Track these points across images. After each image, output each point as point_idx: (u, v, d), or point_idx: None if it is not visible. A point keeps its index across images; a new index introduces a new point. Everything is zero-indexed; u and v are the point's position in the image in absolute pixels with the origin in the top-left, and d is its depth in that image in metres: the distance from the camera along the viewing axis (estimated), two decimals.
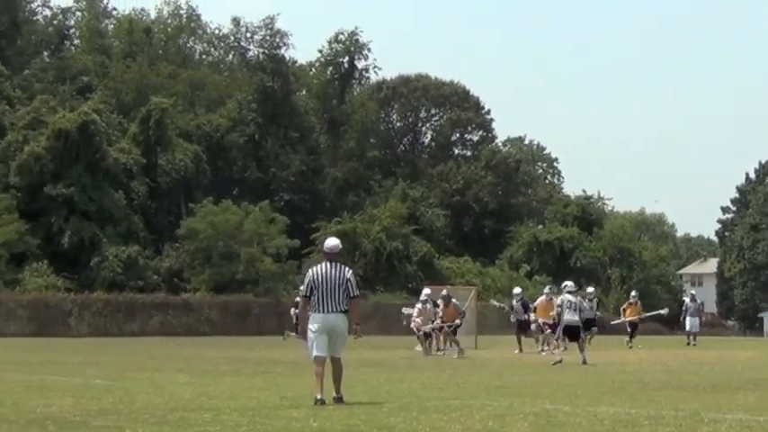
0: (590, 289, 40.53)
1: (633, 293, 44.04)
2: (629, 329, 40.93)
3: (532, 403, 15.02)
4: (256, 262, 68.36)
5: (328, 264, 15.10)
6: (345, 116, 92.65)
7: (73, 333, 57.15)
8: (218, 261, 68.97)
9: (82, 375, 21.89)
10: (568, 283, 27.52)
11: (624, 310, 42.26)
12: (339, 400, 14.61)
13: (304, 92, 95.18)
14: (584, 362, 25.55)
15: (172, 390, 17.56)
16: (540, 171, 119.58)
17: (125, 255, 66.46)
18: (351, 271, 15.40)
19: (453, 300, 33.20)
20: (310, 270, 15.32)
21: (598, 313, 40.71)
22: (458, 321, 32.39)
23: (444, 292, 33.81)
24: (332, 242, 15.51)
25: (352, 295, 15.06)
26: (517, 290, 38.70)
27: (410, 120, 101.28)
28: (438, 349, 32.41)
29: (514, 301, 36.63)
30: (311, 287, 15.01)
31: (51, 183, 66.95)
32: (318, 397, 14.34)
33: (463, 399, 15.84)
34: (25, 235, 64.72)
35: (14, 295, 59.60)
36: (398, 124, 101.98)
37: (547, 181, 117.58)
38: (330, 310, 14.85)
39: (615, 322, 44.45)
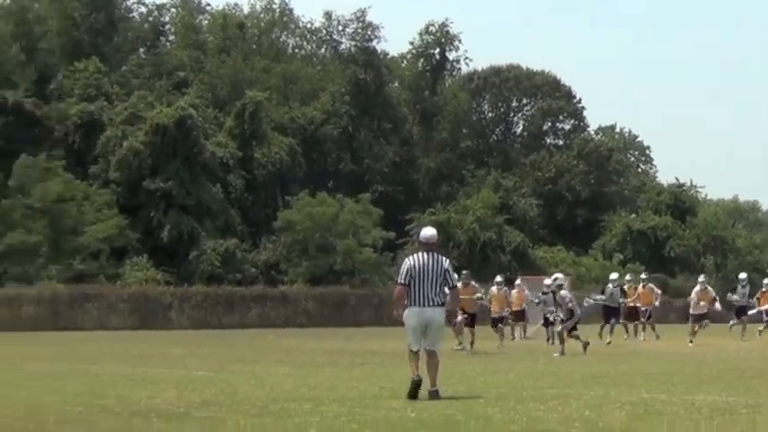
0: (742, 275, 39.41)
1: (766, 281, 41.41)
2: (765, 318, 39.04)
3: (629, 392, 15.02)
4: (353, 253, 68.77)
5: (425, 254, 14.86)
6: (437, 107, 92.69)
7: (173, 326, 58.06)
8: (315, 253, 69.48)
9: (184, 367, 22.31)
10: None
11: (759, 299, 40.31)
12: (435, 393, 14.23)
13: (396, 84, 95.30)
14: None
15: (272, 381, 17.82)
16: (633, 159, 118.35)
17: (223, 248, 67.28)
18: (448, 261, 15.15)
19: (472, 282, 31.07)
20: (408, 259, 15.04)
21: (751, 300, 38.84)
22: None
23: (464, 272, 31.23)
24: (429, 232, 15.26)
25: (451, 285, 14.93)
26: (614, 275, 38.12)
27: (502, 110, 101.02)
28: (459, 343, 29.07)
29: (610, 286, 36.28)
30: (409, 277, 14.73)
31: (150, 177, 68.02)
32: (413, 377, 14.27)
33: (559, 388, 15.89)
34: (125, 229, 65.89)
35: (116, 289, 60.75)
36: (490, 114, 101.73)
37: (639, 169, 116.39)
38: (427, 303, 14.59)
39: (752, 312, 42.27)
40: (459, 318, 27.76)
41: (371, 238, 70.30)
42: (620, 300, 35.79)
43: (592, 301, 36.64)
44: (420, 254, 14.93)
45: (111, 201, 67.94)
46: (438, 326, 14.81)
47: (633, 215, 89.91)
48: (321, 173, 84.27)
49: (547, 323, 32.93)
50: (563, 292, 27.36)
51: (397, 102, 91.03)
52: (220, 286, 63.25)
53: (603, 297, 35.99)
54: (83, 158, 71.97)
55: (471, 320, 29.02)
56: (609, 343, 32.76)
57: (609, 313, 35.62)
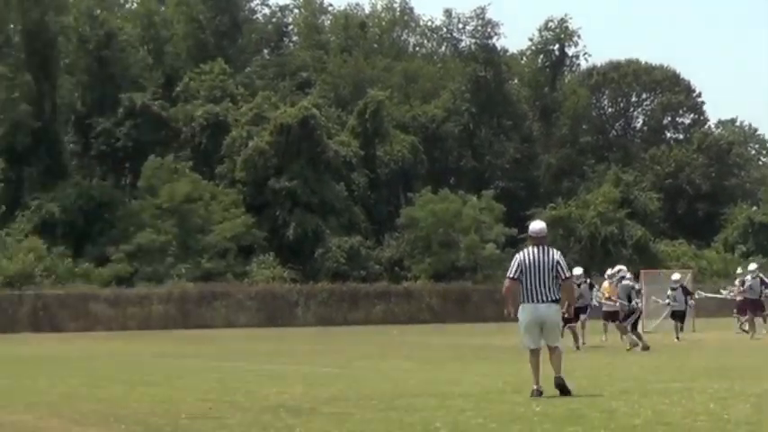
0: None
1: None
2: None
3: (754, 385, 14.89)
4: (476, 249, 68.88)
5: (536, 248, 14.36)
6: (557, 103, 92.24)
7: (299, 323, 58.80)
8: (438, 249, 69.74)
9: (310, 364, 22.68)
10: None
11: None
12: (560, 380, 13.87)
13: (516, 80, 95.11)
14: None
15: (397, 376, 18.05)
16: (753, 152, 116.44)
17: (347, 245, 67.95)
18: (559, 253, 14.60)
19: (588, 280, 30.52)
20: (518, 254, 14.60)
21: None
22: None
23: (578, 271, 29.78)
24: (537, 225, 14.81)
25: (563, 277, 14.29)
26: (753, 266, 36.67)
27: (621, 105, 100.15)
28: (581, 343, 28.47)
29: (749, 278, 35.30)
30: (520, 271, 14.29)
31: (275, 177, 69.01)
32: (535, 388, 13.82)
33: (683, 381, 15.83)
34: (252, 228, 66.98)
35: (243, 287, 61.81)
36: (610, 110, 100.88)
37: (760, 162, 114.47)
38: (541, 299, 14.11)
39: None
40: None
41: (494, 234, 70.36)
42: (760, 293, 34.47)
43: (724, 294, 35.38)
44: (531, 248, 14.44)
45: (238, 200, 69.12)
46: (554, 323, 14.32)
47: (755, 208, 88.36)
48: (443, 170, 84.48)
49: (674, 317, 32.69)
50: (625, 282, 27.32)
51: (517, 98, 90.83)
52: (345, 283, 63.87)
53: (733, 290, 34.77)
54: (209, 159, 73.35)
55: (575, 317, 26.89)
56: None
57: (752, 306, 34.35)
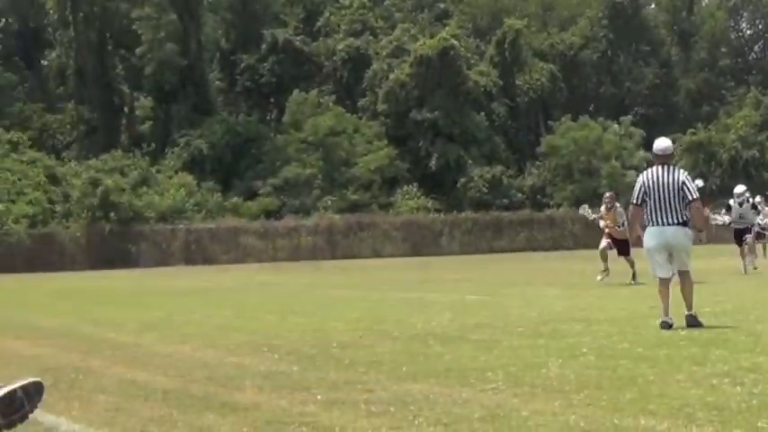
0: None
1: None
2: None
3: None
4: (617, 176, 68.29)
5: (660, 168, 13.47)
6: (695, 27, 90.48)
7: (444, 251, 59.23)
8: (579, 177, 69.35)
9: (457, 292, 22.97)
10: None
11: None
12: (692, 318, 13.07)
13: (653, 5, 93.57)
14: None
15: (543, 303, 18.21)
16: None
17: (489, 175, 68.05)
18: (686, 173, 13.69)
19: (617, 205, 26.02)
20: (641, 176, 13.77)
21: None
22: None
23: (608, 193, 27.35)
24: (663, 143, 13.74)
25: (690, 199, 13.26)
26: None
27: (760, 27, 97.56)
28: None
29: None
30: (643, 194, 13.46)
31: (416, 108, 69.28)
32: (664, 319, 13.04)
33: None
34: (395, 159, 67.49)
35: (389, 218, 62.50)
36: (748, 32, 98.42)
37: None
38: (667, 222, 13.30)
39: None
40: (603, 243, 24.90)
41: (635, 160, 69.65)
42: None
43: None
44: (655, 168, 13.57)
45: (381, 132, 69.68)
46: (683, 246, 13.38)
47: None
48: (581, 97, 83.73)
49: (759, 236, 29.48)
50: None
51: (655, 24, 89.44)
52: (488, 212, 64.05)
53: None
54: (351, 92, 73.99)
55: (625, 248, 24.57)
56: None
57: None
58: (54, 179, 62.17)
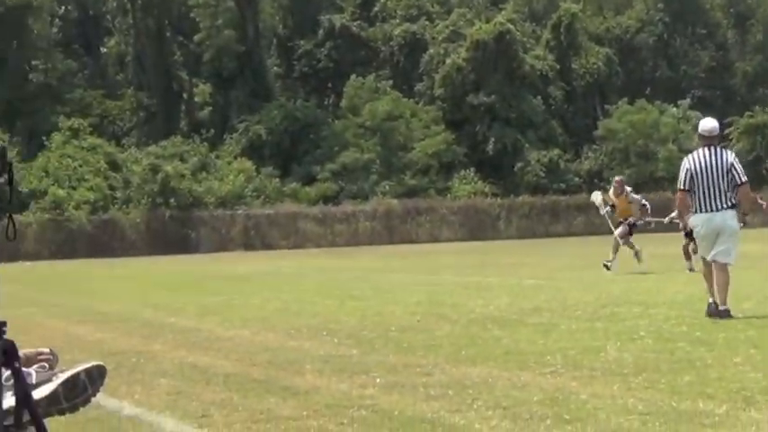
0: None
1: None
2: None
3: None
4: (675, 159, 67.84)
5: (707, 150, 12.86)
6: (751, 10, 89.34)
7: (501, 236, 59.20)
8: (636, 160, 68.97)
9: (515, 276, 23.00)
10: None
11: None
12: (725, 312, 12.29)
13: None
14: None
15: (600, 287, 18.22)
16: None
17: (546, 159, 67.84)
18: (734, 154, 13.13)
19: (628, 188, 25.48)
20: (686, 159, 13.12)
21: None
22: (631, 219, 24.73)
23: (618, 178, 26.59)
24: (709, 123, 13.08)
25: (739, 182, 12.64)
26: None
27: None
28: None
29: None
30: (689, 179, 12.80)
31: (473, 93, 69.18)
32: (710, 301, 12.61)
33: None
34: (452, 144, 67.49)
35: (446, 202, 62.55)
36: None
37: None
38: (715, 207, 12.67)
39: None
40: (620, 230, 23.96)
41: (692, 144, 69.11)
42: None
43: None
44: (700, 150, 12.96)
45: (438, 117, 69.68)
46: (731, 232, 12.71)
47: None
48: (638, 81, 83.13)
49: None
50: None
51: (711, 6, 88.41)
52: (545, 196, 63.87)
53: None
54: (408, 77, 74.02)
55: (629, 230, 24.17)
56: None
57: None
58: (114, 165, 62.81)
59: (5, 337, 3.69)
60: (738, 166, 12.73)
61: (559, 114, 74.28)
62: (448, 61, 70.73)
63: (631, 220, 24.55)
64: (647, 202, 25.73)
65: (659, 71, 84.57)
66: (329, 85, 78.07)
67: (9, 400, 3.63)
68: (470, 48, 69.88)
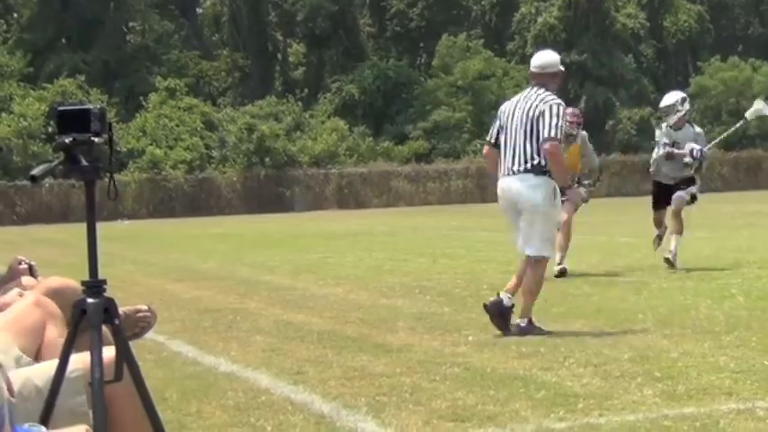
0: None
1: None
2: None
3: None
4: (766, 118, 66.76)
5: (527, 92, 9.62)
6: None
7: (593, 194, 58.64)
8: (728, 118, 67.94)
9: (606, 234, 22.93)
10: None
11: None
12: (518, 328, 8.96)
13: None
14: None
15: (691, 245, 18.03)
16: None
17: (638, 116, 67.22)
18: (552, 100, 9.30)
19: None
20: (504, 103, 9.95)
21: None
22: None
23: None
24: (541, 58, 9.93)
25: (544, 137, 9.09)
26: None
27: None
28: None
29: None
30: (499, 129, 9.55)
31: (565, 51, 68.50)
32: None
33: None
34: None
35: None
36: None
37: None
38: (509, 170, 9.36)
39: None
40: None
41: None
42: None
43: None
44: (522, 93, 9.72)
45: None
46: (531, 208, 9.21)
47: None
48: (730, 38, 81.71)
49: None
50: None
51: None
52: (637, 154, 63.20)
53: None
54: (499, 36, 73.66)
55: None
56: None
57: None
58: (210, 125, 63.49)
59: (106, 294, 3.84)
60: (547, 116, 9.12)
61: (651, 72, 73.46)
62: (540, 20, 70.25)
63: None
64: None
65: (752, 28, 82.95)
66: (421, 44, 77.99)
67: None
68: (562, 6, 69.35)
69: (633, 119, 67.08)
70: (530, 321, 9.01)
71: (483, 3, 75.26)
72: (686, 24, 75.92)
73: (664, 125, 14.96)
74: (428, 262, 17.18)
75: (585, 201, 16.10)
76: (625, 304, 10.51)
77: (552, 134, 9.10)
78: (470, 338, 8.74)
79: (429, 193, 60.08)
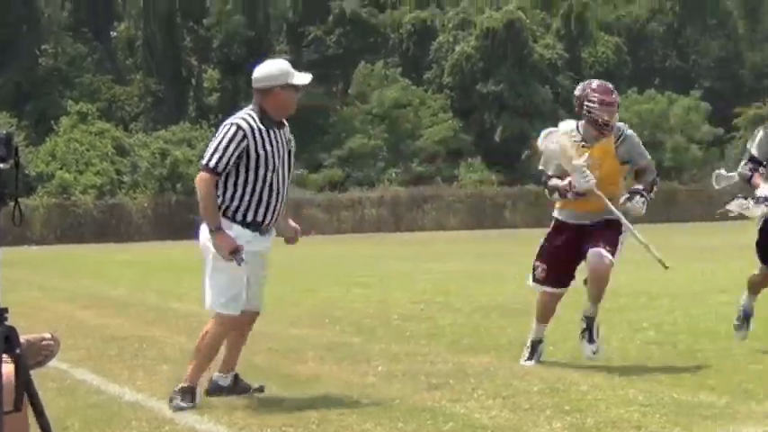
0: None
1: None
2: None
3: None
4: (682, 150, 67.89)
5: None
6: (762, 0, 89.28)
7: (508, 224, 59.09)
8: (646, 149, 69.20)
9: (520, 265, 22.84)
10: None
11: None
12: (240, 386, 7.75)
13: None
14: None
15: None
16: None
17: None
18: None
19: None
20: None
21: None
22: None
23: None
24: (267, 68, 8.06)
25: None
26: None
27: None
28: None
29: None
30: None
31: (482, 81, 69.13)
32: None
33: None
34: (460, 132, 67.45)
35: (453, 190, 62.51)
36: None
37: None
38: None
39: None
40: None
41: (700, 134, 69.28)
42: None
43: None
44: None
45: (446, 105, 69.65)
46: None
47: None
48: (648, 70, 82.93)
49: None
50: None
51: None
52: None
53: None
54: (417, 65, 73.92)
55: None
56: None
57: None
58: (122, 150, 62.85)
59: (7, 323, 3.71)
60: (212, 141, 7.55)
61: (568, 103, 74.11)
62: (457, 49, 70.67)
63: None
64: None
65: (669, 61, 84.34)
66: (338, 71, 78.02)
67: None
68: (480, 36, 69.85)
69: None
70: (188, 392, 7.30)
71: (401, 31, 75.52)
72: (604, 56, 76.93)
73: None
74: (340, 291, 17.08)
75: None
76: None
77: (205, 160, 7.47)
78: (380, 369, 8.66)
79: (342, 221, 59.98)
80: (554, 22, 77.74)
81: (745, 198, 9.22)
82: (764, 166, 9.10)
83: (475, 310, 13.20)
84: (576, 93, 8.96)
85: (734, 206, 9.20)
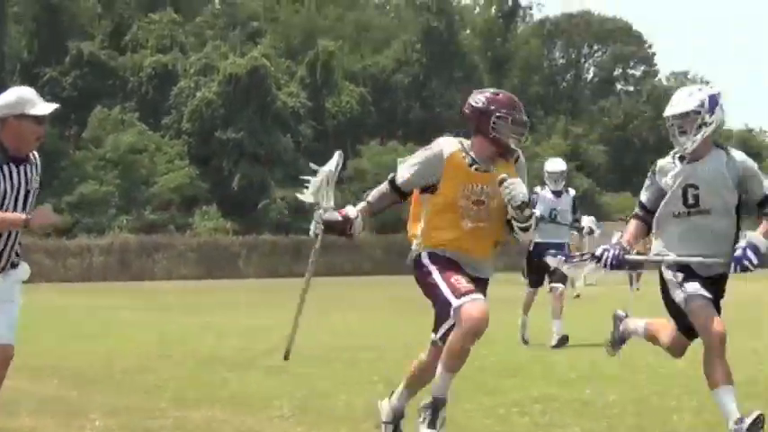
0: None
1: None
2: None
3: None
4: None
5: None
6: (509, 54, 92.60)
7: (242, 274, 58.77)
8: None
9: (250, 316, 22.75)
10: None
11: None
12: None
13: (468, 31, 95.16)
14: None
15: (340, 329, 18.22)
16: None
17: (292, 197, 67.96)
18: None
19: None
20: None
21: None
22: None
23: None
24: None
25: None
26: None
27: (572, 56, 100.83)
28: None
29: None
30: None
31: (222, 128, 68.70)
32: None
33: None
34: (196, 179, 66.76)
35: (185, 239, 61.62)
36: (561, 61, 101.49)
37: None
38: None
39: None
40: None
41: None
42: None
43: None
44: None
45: (183, 151, 68.86)
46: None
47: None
48: (391, 121, 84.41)
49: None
50: None
51: (469, 49, 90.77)
52: (289, 235, 63.81)
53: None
54: (156, 110, 72.87)
55: None
56: None
57: None
58: None
59: None
60: None
61: (309, 153, 74.52)
62: (198, 95, 70.03)
63: None
64: None
65: (412, 112, 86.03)
66: (72, 114, 75.97)
67: None
68: (222, 81, 69.43)
69: (287, 198, 67.62)
70: None
71: (141, 74, 74.31)
72: (348, 106, 77.75)
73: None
74: (61, 342, 16.51)
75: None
76: (262, 389, 10.28)
77: None
78: (97, 423, 8.38)
79: (69, 268, 58.05)
80: (299, 69, 78.17)
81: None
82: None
83: (200, 363, 12.95)
84: (478, 105, 8.00)
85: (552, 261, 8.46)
